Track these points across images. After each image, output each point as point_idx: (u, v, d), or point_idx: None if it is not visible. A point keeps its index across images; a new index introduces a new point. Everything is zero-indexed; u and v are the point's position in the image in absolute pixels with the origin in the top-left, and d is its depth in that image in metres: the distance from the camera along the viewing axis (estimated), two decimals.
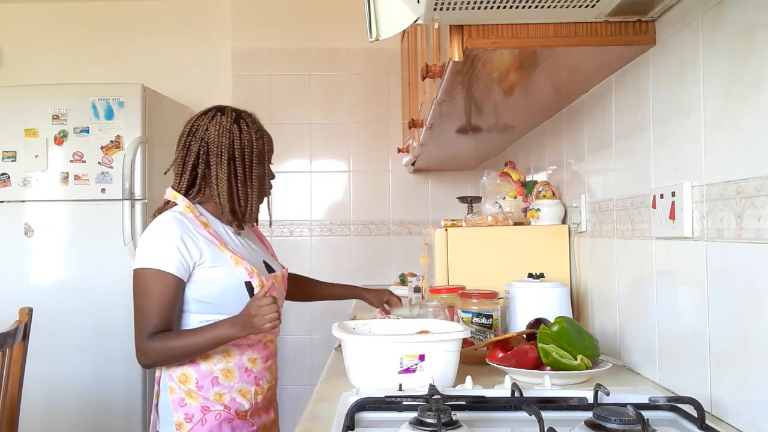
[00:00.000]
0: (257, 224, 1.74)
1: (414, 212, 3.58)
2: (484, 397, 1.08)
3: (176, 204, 1.54)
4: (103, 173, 2.89)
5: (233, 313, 1.46)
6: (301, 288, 1.96)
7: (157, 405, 1.53)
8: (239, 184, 1.54)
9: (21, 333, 1.99)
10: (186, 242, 1.45)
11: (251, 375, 1.53)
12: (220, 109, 1.57)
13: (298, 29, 3.56)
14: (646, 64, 1.34)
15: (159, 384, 1.54)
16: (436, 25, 1.29)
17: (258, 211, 1.62)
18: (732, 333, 1.02)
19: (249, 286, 1.49)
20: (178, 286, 1.45)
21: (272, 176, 1.65)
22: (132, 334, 1.46)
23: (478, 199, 2.75)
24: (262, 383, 1.56)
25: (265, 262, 1.62)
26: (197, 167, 1.54)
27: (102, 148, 2.90)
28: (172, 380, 1.50)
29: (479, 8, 1.13)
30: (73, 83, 3.12)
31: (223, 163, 1.52)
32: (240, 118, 1.56)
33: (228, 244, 1.53)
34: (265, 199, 1.66)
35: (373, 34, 1.12)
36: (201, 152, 1.53)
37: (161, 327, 1.44)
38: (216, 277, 1.47)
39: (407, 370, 1.21)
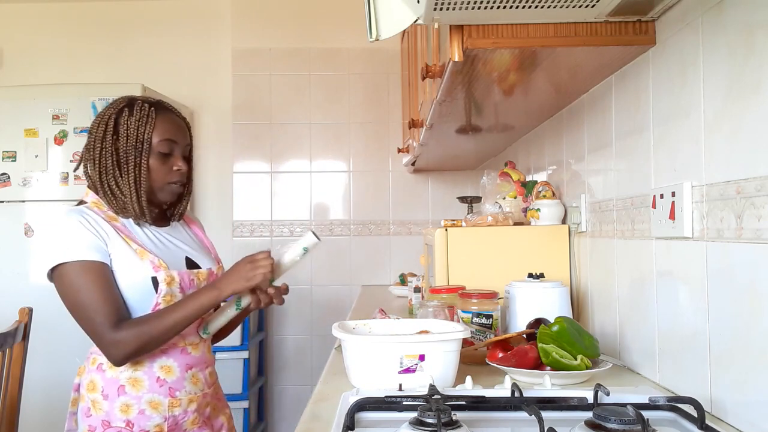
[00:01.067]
0: (177, 220, 1.58)
1: (414, 212, 3.58)
2: (484, 397, 1.08)
3: (85, 202, 1.47)
4: None
5: (138, 310, 1.38)
6: None
7: (75, 412, 1.46)
8: (108, 176, 1.43)
9: (21, 333, 1.99)
10: (88, 233, 1.37)
11: (164, 385, 1.41)
12: (114, 102, 1.48)
13: (298, 29, 3.56)
14: (646, 64, 1.34)
15: (78, 391, 1.45)
16: (436, 25, 1.29)
17: (144, 204, 1.44)
18: (732, 333, 1.02)
19: (155, 281, 1.38)
20: (109, 271, 1.37)
21: (175, 166, 1.48)
22: None
23: (478, 199, 2.75)
24: (180, 395, 1.42)
25: (189, 259, 1.51)
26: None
27: None
28: (83, 387, 1.42)
29: (479, 8, 1.13)
30: (73, 83, 3.12)
31: (96, 155, 1.44)
32: (128, 106, 1.45)
33: (136, 238, 1.43)
34: (175, 190, 1.50)
35: (373, 34, 1.12)
36: (88, 146, 1.47)
37: (122, 314, 1.35)
38: (118, 270, 1.38)
39: (407, 370, 1.20)
